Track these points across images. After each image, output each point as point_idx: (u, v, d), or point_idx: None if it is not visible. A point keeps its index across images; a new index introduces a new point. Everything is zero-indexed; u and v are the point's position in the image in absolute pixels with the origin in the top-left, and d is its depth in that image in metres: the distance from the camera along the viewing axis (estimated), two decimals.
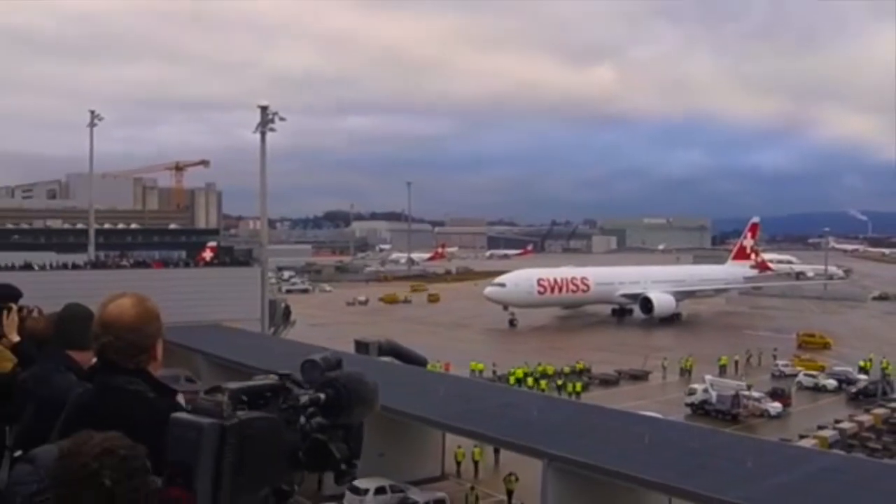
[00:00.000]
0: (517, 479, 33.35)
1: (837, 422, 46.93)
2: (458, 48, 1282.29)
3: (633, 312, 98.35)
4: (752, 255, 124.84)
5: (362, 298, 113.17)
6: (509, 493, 33.78)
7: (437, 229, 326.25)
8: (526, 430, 29.64)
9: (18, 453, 3.30)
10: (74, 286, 39.00)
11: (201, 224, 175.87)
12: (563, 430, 29.87)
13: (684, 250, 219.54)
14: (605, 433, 29.77)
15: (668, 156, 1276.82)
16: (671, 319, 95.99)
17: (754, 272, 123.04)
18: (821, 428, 45.36)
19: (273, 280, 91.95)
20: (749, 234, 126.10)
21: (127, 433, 2.37)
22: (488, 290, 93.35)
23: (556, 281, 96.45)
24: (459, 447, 37.53)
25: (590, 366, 62.83)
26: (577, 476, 26.35)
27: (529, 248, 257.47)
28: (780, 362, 65.19)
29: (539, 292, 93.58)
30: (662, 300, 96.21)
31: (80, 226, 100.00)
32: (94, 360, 3.40)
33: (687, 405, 50.94)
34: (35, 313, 5.57)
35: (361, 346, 49.66)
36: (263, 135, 56.79)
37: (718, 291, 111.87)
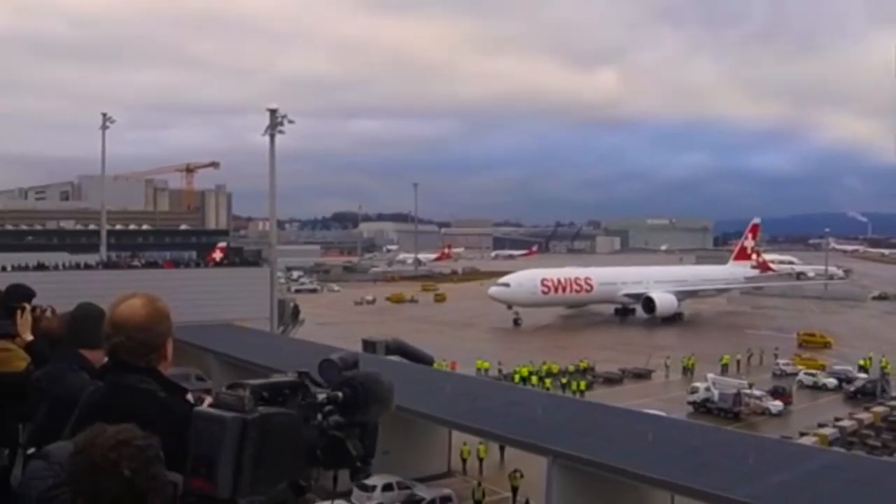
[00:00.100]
0: (522, 476, 33.43)
1: (837, 420, 47.33)
2: (464, 52, 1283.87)
3: (635, 312, 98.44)
4: (754, 256, 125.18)
5: (370, 298, 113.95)
6: (514, 490, 33.81)
7: (443, 230, 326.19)
8: (531, 427, 29.56)
9: (32, 451, 3.34)
10: (87, 286, 38.94)
11: (211, 225, 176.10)
12: (568, 428, 29.78)
13: (687, 251, 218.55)
14: (608, 431, 29.75)
15: (671, 158, 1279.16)
16: (673, 319, 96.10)
17: (755, 272, 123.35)
18: (821, 426, 45.70)
19: (282, 280, 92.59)
20: (750, 235, 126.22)
21: None
22: (493, 289, 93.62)
23: (559, 281, 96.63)
24: (465, 444, 37.63)
25: (593, 364, 63.09)
26: (582, 473, 26.32)
27: (534, 248, 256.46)
28: (780, 361, 65.45)
29: (543, 292, 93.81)
30: (665, 300, 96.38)
31: (92, 227, 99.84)
32: (106, 359, 3.42)
33: (689, 403, 51.12)
34: (48, 313, 5.64)
35: (369, 345, 49.61)
36: (272, 137, 56.96)
37: (720, 291, 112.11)
